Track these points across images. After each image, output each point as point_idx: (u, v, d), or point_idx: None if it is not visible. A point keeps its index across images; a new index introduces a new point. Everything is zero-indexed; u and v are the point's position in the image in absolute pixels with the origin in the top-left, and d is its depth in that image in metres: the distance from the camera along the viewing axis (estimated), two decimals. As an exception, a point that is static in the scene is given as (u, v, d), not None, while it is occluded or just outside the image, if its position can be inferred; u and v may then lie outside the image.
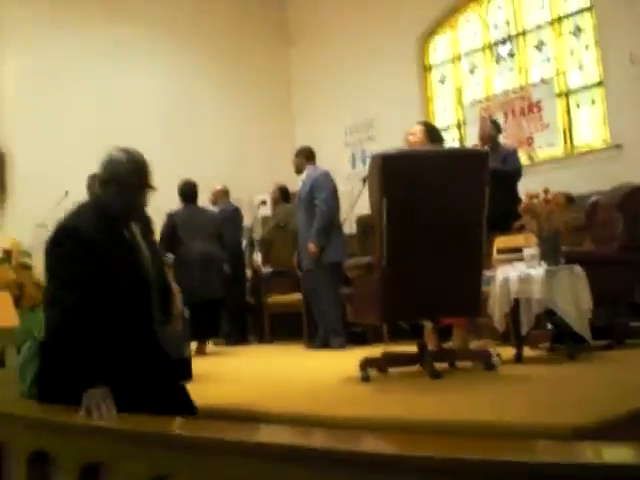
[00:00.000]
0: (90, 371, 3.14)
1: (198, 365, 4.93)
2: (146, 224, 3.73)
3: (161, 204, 9.00)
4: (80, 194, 8.04)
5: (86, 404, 3.11)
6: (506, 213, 5.60)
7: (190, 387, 4.45)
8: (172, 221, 7.55)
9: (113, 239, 3.31)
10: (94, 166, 7.50)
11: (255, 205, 9.66)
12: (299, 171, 7.59)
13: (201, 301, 6.88)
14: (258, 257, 9.28)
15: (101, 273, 3.17)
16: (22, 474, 3.78)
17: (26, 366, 4.82)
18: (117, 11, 11.53)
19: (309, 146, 7.70)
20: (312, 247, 6.98)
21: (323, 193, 7.17)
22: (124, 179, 3.41)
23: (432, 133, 5.53)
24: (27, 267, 6.59)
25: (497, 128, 7.10)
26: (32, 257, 6.67)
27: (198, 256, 7.41)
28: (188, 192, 8.03)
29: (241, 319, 8.49)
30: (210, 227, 7.82)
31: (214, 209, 8.73)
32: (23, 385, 4.70)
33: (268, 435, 2.89)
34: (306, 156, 7.59)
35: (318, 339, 7.07)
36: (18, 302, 6.09)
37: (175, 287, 3.72)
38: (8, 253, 6.57)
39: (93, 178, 7.35)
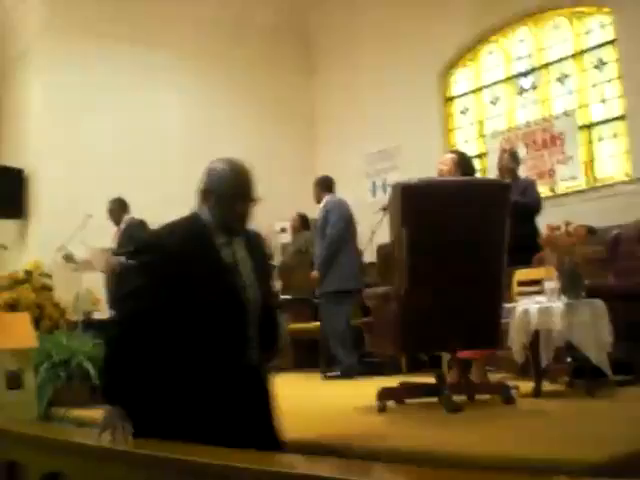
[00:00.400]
0: (117, 387, 2.94)
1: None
2: (254, 240, 3.41)
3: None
4: (104, 217, 8.15)
5: (104, 423, 2.96)
6: (526, 245, 5.57)
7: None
8: None
9: (204, 257, 3.04)
10: (118, 188, 7.64)
11: (275, 232, 9.67)
12: (318, 201, 7.71)
13: None
14: (278, 284, 9.28)
15: (181, 291, 2.91)
16: (36, 496, 3.78)
17: (44, 387, 4.85)
18: (145, 36, 11.65)
19: (328, 176, 7.78)
20: (314, 274, 7.11)
21: (333, 218, 7.35)
22: (224, 190, 3.22)
23: (463, 163, 5.48)
24: (47, 288, 6.65)
25: (516, 160, 7.07)
26: (52, 278, 6.75)
27: None
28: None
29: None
30: None
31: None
32: (40, 406, 4.73)
33: (283, 464, 2.88)
34: (324, 186, 7.74)
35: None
36: (38, 323, 6.14)
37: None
38: (29, 274, 6.63)
39: (114, 203, 7.47)
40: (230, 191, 3.20)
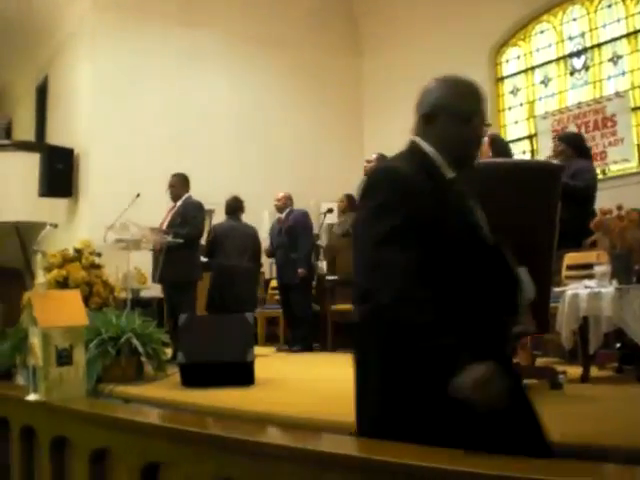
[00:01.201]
0: (457, 346, 2.13)
1: (260, 370, 4.95)
2: (478, 183, 2.73)
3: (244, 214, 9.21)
4: (152, 196, 8.22)
5: (475, 377, 2.06)
6: (576, 229, 5.49)
7: (251, 392, 4.49)
8: (214, 232, 8.10)
9: (440, 195, 2.36)
10: (167, 169, 7.69)
11: (321, 213, 9.67)
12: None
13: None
14: (323, 265, 9.29)
15: (430, 232, 2.27)
16: (84, 470, 3.85)
17: (93, 364, 4.92)
18: (194, 17, 11.70)
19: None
20: None
21: None
22: (459, 106, 2.49)
23: (498, 146, 5.44)
24: (97, 267, 6.73)
25: (568, 141, 6.88)
26: (102, 257, 6.83)
27: (230, 268, 8.00)
28: (230, 206, 8.57)
29: (306, 326, 8.48)
30: (247, 241, 8.40)
31: (280, 215, 8.81)
32: (89, 382, 4.80)
33: (326, 444, 2.89)
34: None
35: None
36: (87, 301, 6.22)
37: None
38: (79, 252, 6.71)
39: (177, 178, 7.48)
40: (472, 107, 2.51)
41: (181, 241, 6.72)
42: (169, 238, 6.70)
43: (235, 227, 8.48)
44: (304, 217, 8.80)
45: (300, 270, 8.39)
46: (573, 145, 6.79)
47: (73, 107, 12.03)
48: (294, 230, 8.64)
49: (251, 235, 8.64)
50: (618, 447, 2.52)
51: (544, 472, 1.97)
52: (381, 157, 5.78)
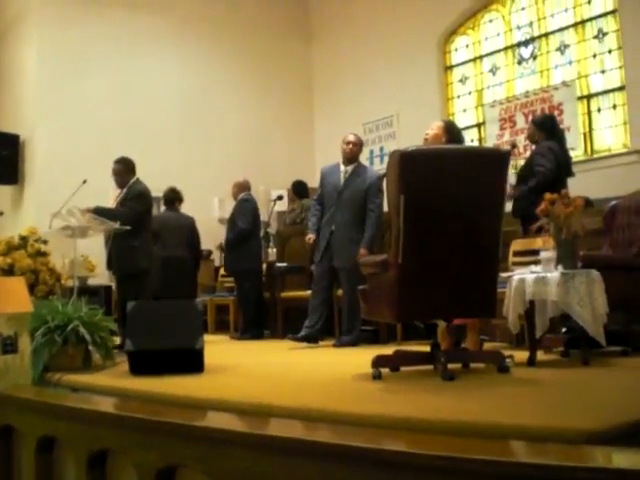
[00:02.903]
0: None
1: (210, 357, 4.93)
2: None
3: (191, 200, 9.19)
4: (99, 182, 8.11)
5: None
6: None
7: (201, 379, 4.47)
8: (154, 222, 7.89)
9: None
10: (114, 154, 7.59)
11: (271, 200, 9.65)
12: (350, 160, 7.14)
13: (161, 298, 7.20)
14: (273, 252, 9.27)
15: None
16: (30, 459, 3.80)
17: (39, 352, 4.85)
18: (143, 3, 11.59)
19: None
20: (364, 252, 6.68)
21: (379, 199, 6.94)
22: None
23: (451, 131, 5.50)
24: (43, 254, 6.63)
25: (539, 125, 6.86)
26: (48, 244, 6.72)
27: (167, 258, 8.20)
28: (167, 198, 8.86)
29: (256, 313, 8.46)
30: (183, 231, 8.68)
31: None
32: (35, 371, 4.73)
33: (276, 429, 2.89)
34: (360, 148, 7.31)
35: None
36: (33, 289, 6.13)
37: None
38: (24, 239, 6.61)
39: (120, 163, 7.31)
40: None
41: (128, 227, 6.62)
42: (116, 225, 6.60)
43: (172, 217, 8.75)
44: (243, 203, 8.66)
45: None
46: (542, 127, 6.80)
47: (18, 92, 11.82)
48: (235, 218, 8.57)
49: (188, 225, 8.83)
50: (560, 428, 2.55)
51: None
52: (446, 123, 5.54)
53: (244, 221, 8.42)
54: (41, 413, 3.86)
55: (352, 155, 7.15)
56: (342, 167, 7.14)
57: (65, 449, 3.76)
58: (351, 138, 7.18)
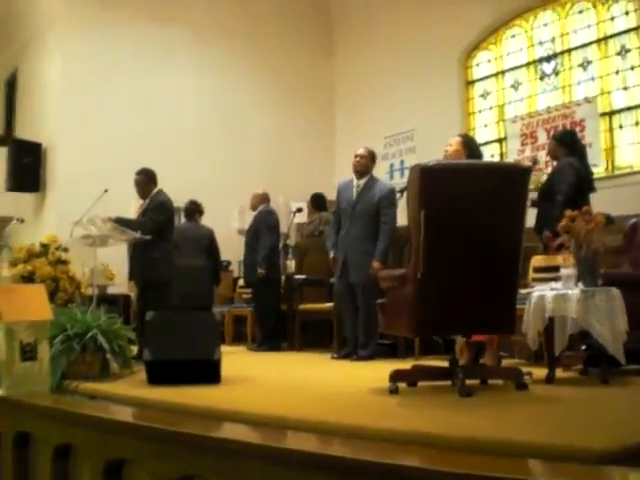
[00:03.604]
0: None
1: (227, 368, 4.93)
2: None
3: (211, 212, 9.25)
4: (120, 192, 8.16)
5: None
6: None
7: (218, 390, 4.48)
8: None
9: None
10: (135, 164, 7.63)
11: (291, 212, 9.66)
12: (362, 174, 7.12)
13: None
14: (292, 264, 9.28)
15: None
16: (47, 466, 3.81)
17: (57, 360, 4.87)
18: (163, 12, 11.66)
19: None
20: (377, 265, 6.69)
21: (392, 211, 6.92)
22: None
23: (470, 146, 5.49)
24: (63, 262, 6.67)
25: (560, 140, 6.83)
26: (68, 252, 6.76)
27: (185, 267, 8.16)
28: (188, 210, 9.02)
29: (274, 325, 8.46)
30: (202, 242, 8.79)
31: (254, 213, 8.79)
32: (53, 378, 4.75)
33: (291, 441, 2.88)
34: (374, 160, 7.27)
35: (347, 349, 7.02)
36: (53, 297, 6.17)
37: None
38: (45, 247, 6.65)
39: (141, 173, 7.34)
40: None
41: (148, 237, 6.64)
42: (137, 235, 6.63)
43: (190, 228, 8.88)
44: (267, 215, 8.69)
45: (259, 271, 8.34)
46: (563, 143, 6.76)
47: (42, 101, 11.92)
48: (257, 229, 8.59)
49: (207, 236, 8.93)
50: (576, 448, 2.53)
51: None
52: (464, 138, 5.52)
53: (271, 236, 8.50)
54: (58, 421, 3.88)
55: (360, 168, 7.13)
56: (355, 181, 7.15)
57: (81, 457, 3.77)
58: (360, 151, 7.19)
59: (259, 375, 5.61)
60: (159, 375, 4.70)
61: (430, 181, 4.15)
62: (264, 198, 8.86)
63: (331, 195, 9.55)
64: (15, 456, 4.31)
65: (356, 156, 7.15)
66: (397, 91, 11.86)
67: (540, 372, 4.67)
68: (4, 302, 4.53)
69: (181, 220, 9.60)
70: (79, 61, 11.13)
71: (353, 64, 12.91)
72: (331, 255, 7.24)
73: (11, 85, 13.74)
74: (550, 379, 4.59)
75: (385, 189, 7.06)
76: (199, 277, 8.54)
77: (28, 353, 4.53)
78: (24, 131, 12.40)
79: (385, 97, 12.09)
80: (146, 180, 7.23)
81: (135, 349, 5.84)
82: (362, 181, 7.09)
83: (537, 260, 6.28)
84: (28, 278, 6.30)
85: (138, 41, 11.56)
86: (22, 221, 7.02)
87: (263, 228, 8.52)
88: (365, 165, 7.14)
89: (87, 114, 11.03)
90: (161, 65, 11.76)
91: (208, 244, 8.87)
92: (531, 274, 6.21)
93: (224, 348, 5.23)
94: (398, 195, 6.27)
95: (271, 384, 5.02)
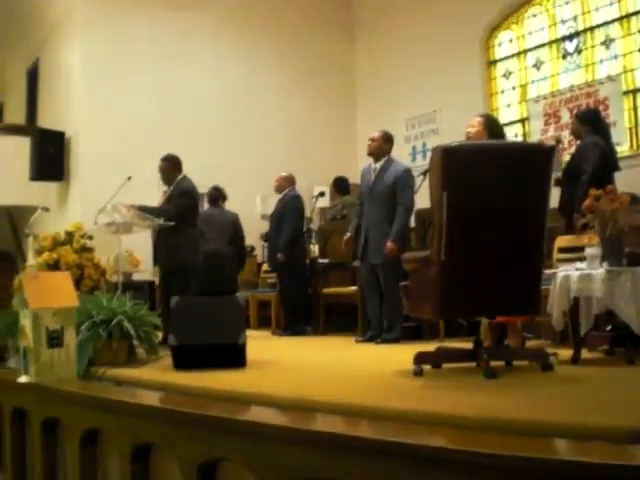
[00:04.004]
0: None
1: (252, 353, 4.95)
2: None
3: (234, 197, 9.28)
4: (144, 179, 8.20)
5: None
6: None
7: (243, 374, 4.50)
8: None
9: None
10: (158, 151, 7.67)
11: (313, 196, 9.66)
12: (377, 156, 7.13)
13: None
14: (315, 248, 9.28)
15: None
16: (75, 451, 3.86)
17: (84, 346, 4.92)
18: (186, 3, 11.65)
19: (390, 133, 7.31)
20: (391, 246, 6.74)
21: (407, 192, 6.90)
22: None
23: (492, 126, 5.43)
24: (88, 250, 6.71)
25: (583, 119, 6.77)
26: (93, 240, 6.81)
27: (209, 253, 8.13)
28: (211, 196, 9.01)
29: (299, 309, 8.47)
30: (226, 227, 8.76)
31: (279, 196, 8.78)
32: (80, 365, 4.80)
33: (318, 424, 2.90)
34: (389, 142, 7.21)
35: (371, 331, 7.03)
36: (78, 284, 6.21)
37: None
38: (70, 235, 6.70)
39: (166, 160, 7.35)
40: None
41: (172, 223, 6.67)
42: (160, 221, 6.66)
43: (214, 214, 8.86)
44: (293, 200, 8.70)
45: (278, 255, 8.34)
46: (586, 121, 6.69)
47: (64, 90, 11.97)
48: (282, 213, 8.59)
49: (232, 222, 8.91)
50: (604, 427, 2.52)
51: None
52: (486, 118, 5.45)
53: (296, 221, 8.50)
54: (86, 406, 3.92)
55: (374, 150, 7.14)
56: (373, 164, 7.16)
57: (109, 442, 3.81)
58: (373, 134, 7.20)
59: (284, 359, 5.63)
60: (185, 360, 4.73)
61: (452, 162, 4.13)
62: (290, 180, 8.86)
63: (354, 179, 9.55)
64: (44, 442, 4.37)
65: (369, 139, 7.17)
66: (418, 73, 11.79)
67: (565, 353, 4.65)
68: (30, 289, 4.57)
69: (204, 206, 9.63)
70: (99, 49, 11.16)
71: (373, 46, 12.85)
72: (346, 236, 7.27)
73: (33, 75, 13.81)
74: (576, 360, 4.57)
75: (400, 170, 7.05)
76: (223, 262, 8.55)
77: (55, 340, 4.57)
78: (47, 120, 12.47)
79: (406, 79, 12.03)
80: (170, 166, 7.25)
81: (160, 335, 5.88)
82: (379, 164, 7.09)
83: (562, 240, 6.24)
84: (54, 266, 6.35)
85: (158, 27, 11.56)
86: (47, 210, 7.05)
87: (289, 213, 8.52)
88: (378, 147, 7.14)
89: (109, 102, 11.07)
90: (181, 51, 11.76)
91: (232, 229, 8.86)
92: (556, 254, 6.17)
93: (249, 333, 5.25)
94: (420, 177, 6.24)
95: (296, 368, 5.04)
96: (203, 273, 7.77)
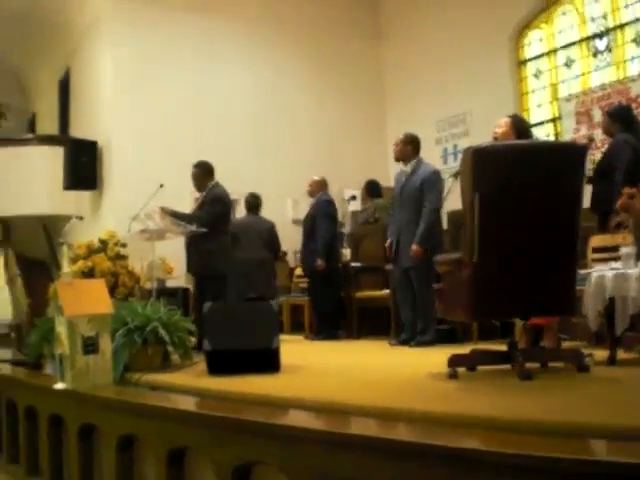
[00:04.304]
0: None
1: (286, 357, 4.96)
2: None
3: (265, 202, 9.32)
4: (176, 186, 8.24)
5: None
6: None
7: (277, 378, 4.51)
8: (232, 227, 7.84)
9: None
10: (189, 158, 7.70)
11: (345, 200, 9.66)
12: (404, 160, 7.17)
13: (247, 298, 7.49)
14: (347, 252, 9.28)
15: None
16: (111, 457, 3.89)
17: (119, 353, 4.96)
18: (212, 4, 11.71)
19: (418, 136, 7.32)
20: (416, 248, 6.76)
21: (433, 194, 6.91)
22: None
23: (519, 127, 5.40)
24: (122, 257, 6.77)
25: (614, 117, 6.68)
26: (127, 247, 6.87)
27: (246, 260, 8.36)
28: (249, 203, 9.17)
29: (331, 314, 8.47)
30: (262, 234, 8.88)
31: (312, 200, 8.81)
32: (116, 371, 4.84)
33: (352, 427, 2.89)
34: (415, 146, 7.21)
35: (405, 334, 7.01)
36: (113, 291, 6.27)
37: None
38: (104, 243, 6.76)
39: (198, 167, 7.39)
40: None
41: (204, 230, 6.70)
42: (193, 228, 6.69)
43: (252, 221, 9.00)
44: (325, 205, 8.71)
45: (319, 262, 8.36)
46: (617, 119, 6.62)
47: (95, 99, 12.08)
48: (315, 218, 8.61)
49: (267, 228, 9.02)
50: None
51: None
52: (513, 118, 5.42)
53: (329, 226, 8.51)
54: (122, 412, 3.95)
55: (397, 155, 7.23)
56: (403, 168, 7.18)
57: (145, 447, 3.83)
58: (396, 139, 7.25)
59: (318, 363, 5.64)
60: (219, 365, 4.74)
61: (483, 163, 4.11)
62: (322, 185, 8.89)
63: (384, 182, 9.54)
64: (80, 448, 4.41)
65: (393, 144, 7.28)
66: (448, 74, 11.75)
67: (601, 354, 4.60)
68: (65, 297, 4.62)
69: (242, 212, 9.69)
70: (129, 57, 11.25)
71: (402, 48, 12.82)
72: (387, 242, 7.28)
73: (64, 85, 13.96)
74: (612, 360, 4.52)
75: (428, 172, 7.06)
76: (262, 269, 8.64)
77: (90, 346, 4.61)
78: (79, 130, 12.60)
79: (436, 80, 12.00)
80: (203, 173, 7.28)
81: (194, 340, 5.90)
82: (409, 166, 7.13)
83: (596, 240, 6.18)
84: (88, 274, 6.42)
85: (187, 35, 11.63)
86: (81, 218, 7.15)
87: (321, 218, 8.55)
88: (401, 151, 7.20)
89: (140, 110, 11.16)
90: (211, 57, 11.82)
91: (269, 236, 8.98)
92: (590, 254, 6.12)
93: (282, 337, 5.27)
94: (451, 179, 6.22)
95: (330, 371, 5.04)
96: (242, 279, 7.86)
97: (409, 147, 7.17)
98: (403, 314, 7.08)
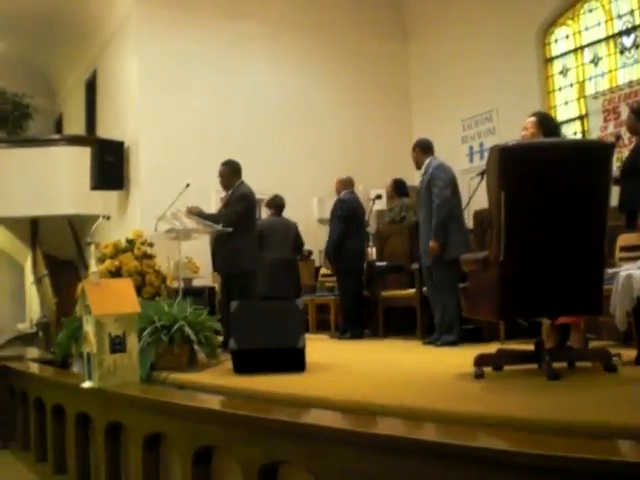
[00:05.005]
0: None
1: (312, 356, 4.97)
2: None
3: (290, 202, 9.37)
4: (202, 186, 8.27)
5: None
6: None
7: (303, 377, 4.51)
8: (258, 228, 7.80)
9: None
10: (216, 158, 7.73)
11: (370, 199, 9.63)
12: (419, 166, 7.33)
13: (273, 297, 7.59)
14: (372, 251, 9.27)
15: None
16: (138, 455, 3.91)
17: (146, 351, 4.99)
18: (239, 7, 11.75)
19: (426, 138, 7.39)
20: (432, 244, 6.81)
21: (438, 185, 6.93)
22: None
23: (546, 125, 5.31)
24: (149, 257, 6.81)
25: (639, 115, 6.59)
26: (154, 247, 6.90)
27: (274, 260, 8.49)
28: (273, 204, 9.26)
29: (357, 313, 8.47)
30: (288, 234, 9.01)
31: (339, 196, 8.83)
32: (143, 369, 4.87)
33: (379, 427, 2.89)
34: (423, 149, 7.30)
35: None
36: (140, 290, 6.31)
37: None
38: (131, 243, 6.81)
39: (226, 165, 7.39)
40: None
41: (230, 229, 6.70)
42: (219, 227, 6.70)
43: (276, 222, 9.08)
44: (339, 203, 8.74)
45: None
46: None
47: (122, 100, 12.17)
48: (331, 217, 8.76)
49: (292, 229, 9.14)
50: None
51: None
52: (539, 117, 5.35)
53: (338, 225, 8.52)
54: (149, 410, 3.97)
55: (414, 162, 7.41)
56: (420, 171, 7.36)
57: (171, 445, 3.85)
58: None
59: (343, 362, 5.63)
60: (245, 364, 4.76)
61: (509, 162, 4.08)
62: (345, 183, 8.89)
63: (410, 181, 9.52)
64: (107, 446, 4.44)
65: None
66: (473, 72, 11.70)
67: (629, 353, 4.56)
68: (93, 296, 4.66)
69: (261, 212, 9.73)
70: (155, 58, 11.31)
71: (427, 47, 12.80)
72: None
73: (91, 86, 14.07)
74: (640, 360, 4.48)
75: (432, 168, 7.12)
76: (288, 268, 8.74)
77: (117, 345, 4.64)
78: (106, 130, 12.70)
79: (461, 79, 11.95)
80: (230, 171, 7.25)
81: (220, 339, 5.92)
82: (423, 169, 7.26)
83: (624, 239, 6.13)
84: (115, 273, 6.46)
85: (213, 36, 11.68)
86: (108, 218, 7.18)
87: (332, 217, 8.65)
88: (414, 158, 7.39)
89: (166, 111, 11.22)
90: (237, 59, 11.86)
91: (294, 236, 9.12)
92: (618, 253, 6.06)
93: (308, 336, 5.27)
94: (478, 178, 6.18)
95: (356, 371, 5.04)
96: (269, 279, 7.92)
97: (417, 151, 7.34)
98: (435, 313, 7.06)
